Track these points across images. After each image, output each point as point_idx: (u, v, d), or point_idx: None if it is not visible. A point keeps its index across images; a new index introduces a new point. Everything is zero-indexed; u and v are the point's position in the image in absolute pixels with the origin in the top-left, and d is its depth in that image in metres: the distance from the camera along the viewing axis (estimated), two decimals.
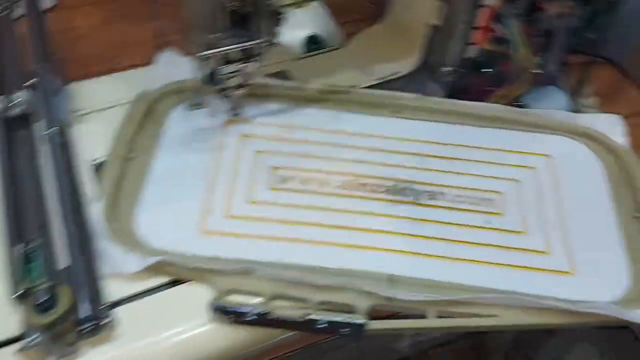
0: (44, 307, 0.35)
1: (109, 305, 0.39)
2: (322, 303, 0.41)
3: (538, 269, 0.45)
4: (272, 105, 0.53)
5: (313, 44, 0.66)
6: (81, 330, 0.36)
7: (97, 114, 0.51)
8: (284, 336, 0.43)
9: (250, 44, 0.42)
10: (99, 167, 0.46)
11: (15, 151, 0.46)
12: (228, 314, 0.39)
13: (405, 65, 0.57)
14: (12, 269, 0.39)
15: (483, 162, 0.51)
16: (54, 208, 0.43)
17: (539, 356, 0.79)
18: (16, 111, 0.47)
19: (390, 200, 0.48)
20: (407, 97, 0.53)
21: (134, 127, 0.48)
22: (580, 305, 0.41)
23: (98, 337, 0.38)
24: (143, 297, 0.41)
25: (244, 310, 0.39)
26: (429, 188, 0.49)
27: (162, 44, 0.54)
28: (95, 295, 0.39)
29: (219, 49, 0.42)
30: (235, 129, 0.50)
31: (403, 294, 0.41)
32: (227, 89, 0.48)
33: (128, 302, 0.41)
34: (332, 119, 0.53)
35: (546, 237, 0.47)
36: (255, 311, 0.39)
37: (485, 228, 0.47)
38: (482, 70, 0.54)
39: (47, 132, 0.46)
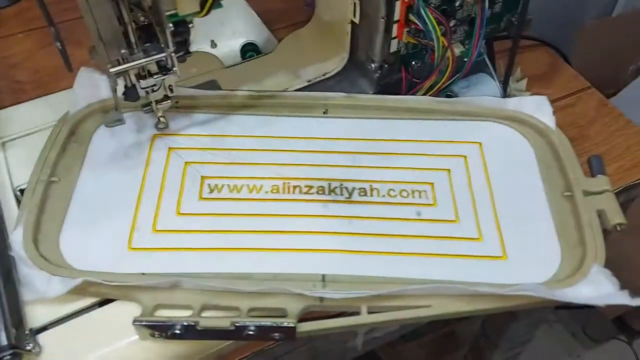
0: None
1: (34, 332, 0.39)
2: (254, 309, 0.41)
3: (471, 256, 0.45)
4: (201, 116, 0.52)
5: (249, 51, 0.66)
6: (1, 359, 0.36)
7: (22, 139, 0.51)
8: (219, 347, 0.43)
9: (160, 57, 0.42)
10: (23, 193, 0.46)
11: None
12: (153, 329, 0.39)
13: (333, 64, 0.57)
14: None
15: (414, 154, 0.51)
16: None
17: (504, 341, 0.79)
18: None
19: (323, 201, 0.48)
20: (336, 96, 0.53)
21: (57, 150, 0.47)
22: (510, 288, 0.41)
23: None
24: (70, 320, 0.40)
25: (169, 324, 0.38)
26: (361, 185, 0.49)
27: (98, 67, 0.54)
28: (17, 322, 0.38)
29: (128, 64, 0.42)
30: (163, 142, 0.50)
31: (333, 293, 0.41)
32: (150, 103, 0.48)
33: (54, 326, 0.40)
34: (262, 124, 0.52)
35: (478, 224, 0.47)
36: (181, 324, 0.39)
37: (417, 220, 0.47)
38: (409, 63, 0.54)
39: None
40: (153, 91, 0.47)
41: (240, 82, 0.56)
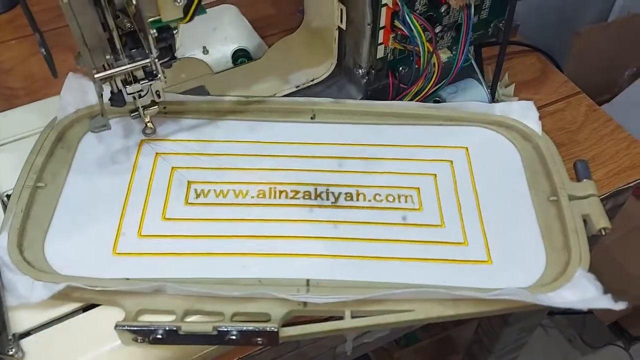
0: None
1: (17, 337, 0.39)
2: (237, 314, 0.41)
3: (456, 260, 0.45)
4: (189, 121, 0.53)
5: (240, 57, 0.66)
6: None
7: (11, 145, 0.51)
8: (203, 352, 0.43)
9: (145, 62, 0.42)
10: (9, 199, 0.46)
11: None
12: (135, 334, 0.39)
13: (322, 70, 0.57)
14: None
15: (400, 159, 0.51)
16: None
17: (498, 347, 0.79)
18: None
19: (309, 205, 0.48)
20: (324, 102, 0.54)
21: (44, 156, 0.47)
22: (492, 293, 0.41)
23: None
24: (53, 325, 0.41)
25: (151, 328, 0.39)
26: (347, 190, 0.49)
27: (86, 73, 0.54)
28: (1, 327, 0.38)
29: (113, 70, 0.42)
30: (150, 148, 0.50)
31: (316, 298, 0.41)
32: (138, 109, 0.48)
33: (38, 331, 0.40)
34: (249, 129, 0.53)
35: (463, 229, 0.47)
36: (163, 328, 0.39)
37: (403, 224, 0.47)
38: (396, 69, 0.55)
39: None
40: (140, 97, 0.47)
41: (229, 88, 0.56)
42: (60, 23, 0.64)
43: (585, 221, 0.46)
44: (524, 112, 0.53)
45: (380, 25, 0.50)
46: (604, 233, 0.45)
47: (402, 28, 0.49)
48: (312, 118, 0.54)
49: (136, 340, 0.39)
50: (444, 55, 0.55)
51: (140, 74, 0.45)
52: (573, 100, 0.64)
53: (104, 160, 0.49)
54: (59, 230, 0.44)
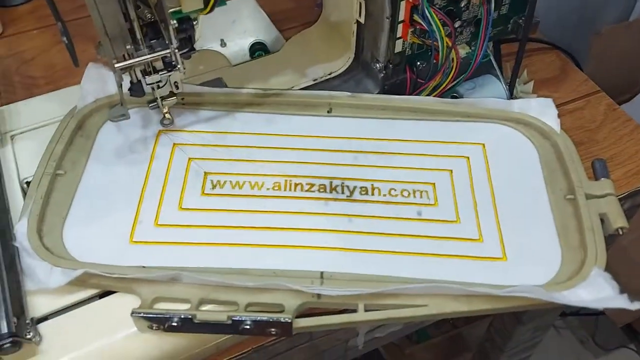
0: None
1: (35, 321, 0.40)
2: (251, 305, 0.41)
3: (471, 257, 0.45)
4: (206, 113, 0.53)
5: (257, 50, 0.67)
6: (0, 346, 0.36)
7: (31, 133, 0.52)
8: (217, 341, 0.43)
9: (165, 53, 0.43)
10: (29, 185, 0.47)
11: None
12: (151, 321, 0.39)
13: (339, 64, 0.57)
14: None
15: (416, 154, 0.51)
16: None
17: (510, 346, 0.79)
18: None
19: (324, 198, 0.48)
20: (340, 96, 0.54)
21: (64, 144, 0.48)
22: (506, 290, 0.41)
23: (20, 353, 0.38)
24: (70, 310, 0.41)
25: (166, 316, 0.39)
26: (362, 184, 0.49)
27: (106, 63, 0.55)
28: (19, 311, 0.39)
29: (133, 60, 0.43)
30: (167, 138, 0.51)
31: (330, 290, 0.41)
32: (156, 99, 0.49)
33: (55, 316, 0.41)
34: (266, 122, 0.53)
35: (479, 225, 0.47)
36: (179, 316, 0.39)
37: (418, 220, 0.47)
38: (414, 63, 0.55)
39: None
40: (159, 87, 0.47)
41: (246, 80, 0.56)
42: (80, 14, 0.65)
43: (602, 220, 0.46)
44: (542, 110, 0.53)
45: (399, 19, 0.50)
46: (621, 232, 0.45)
47: (421, 22, 0.49)
48: (328, 112, 0.54)
49: (151, 328, 0.40)
50: (463, 51, 0.54)
51: (159, 64, 0.45)
52: (592, 99, 0.63)
53: (122, 150, 0.49)
54: (77, 217, 0.45)
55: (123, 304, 0.41)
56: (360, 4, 0.51)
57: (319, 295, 0.42)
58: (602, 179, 0.48)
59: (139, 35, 0.42)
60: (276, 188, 0.48)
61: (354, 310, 0.42)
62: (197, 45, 0.47)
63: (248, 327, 0.40)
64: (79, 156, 0.49)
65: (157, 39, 0.43)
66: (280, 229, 0.46)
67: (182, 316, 0.39)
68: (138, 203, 0.46)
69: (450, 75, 0.53)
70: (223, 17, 0.66)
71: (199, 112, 0.53)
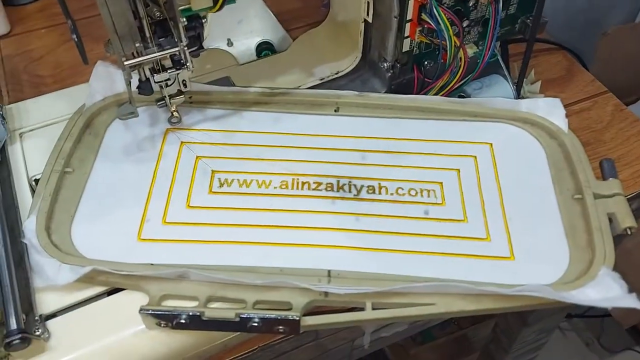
0: None
1: (43, 318, 0.40)
2: (259, 302, 0.42)
3: (479, 256, 0.45)
4: (214, 111, 0.53)
5: (264, 50, 0.67)
6: (9, 343, 0.37)
7: (39, 131, 0.52)
8: (225, 339, 0.43)
9: (174, 51, 0.43)
10: (37, 183, 0.47)
11: None
12: (159, 319, 0.39)
13: (346, 63, 0.57)
14: None
15: (424, 153, 0.51)
16: None
17: (516, 347, 0.79)
18: None
19: (331, 197, 0.48)
20: (348, 95, 0.54)
21: (72, 142, 0.48)
22: (514, 289, 0.41)
23: (29, 350, 0.38)
24: (78, 307, 0.41)
25: (175, 313, 0.39)
26: (369, 182, 0.49)
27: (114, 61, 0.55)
28: (28, 308, 0.39)
29: (142, 58, 0.43)
30: (175, 136, 0.51)
31: (337, 289, 0.41)
32: (164, 98, 0.49)
33: (63, 313, 0.41)
34: (274, 121, 0.53)
35: (486, 224, 0.46)
36: (187, 314, 0.39)
37: (425, 219, 0.47)
38: (421, 63, 0.55)
39: None
40: (167, 85, 0.47)
41: (254, 79, 0.57)
42: (89, 13, 0.65)
43: (610, 220, 0.46)
44: (550, 109, 0.53)
45: (407, 18, 0.50)
46: (629, 232, 0.45)
47: (429, 21, 0.49)
48: (335, 111, 0.54)
49: (160, 325, 0.40)
50: (470, 50, 0.54)
51: (167, 63, 0.45)
52: (599, 100, 0.63)
53: (130, 148, 0.50)
54: (85, 214, 0.45)
55: (131, 301, 0.41)
56: (368, 3, 0.51)
57: (326, 294, 0.42)
58: (610, 178, 0.47)
59: (148, 33, 0.43)
60: (283, 187, 0.48)
61: (362, 309, 0.42)
62: (204, 45, 0.47)
63: (256, 324, 0.40)
64: (87, 154, 0.49)
65: (165, 37, 0.43)
66: (287, 227, 0.46)
67: (190, 313, 0.39)
68: (146, 201, 0.46)
69: (458, 75, 0.53)
70: (230, 17, 0.66)
71: (206, 111, 0.53)
